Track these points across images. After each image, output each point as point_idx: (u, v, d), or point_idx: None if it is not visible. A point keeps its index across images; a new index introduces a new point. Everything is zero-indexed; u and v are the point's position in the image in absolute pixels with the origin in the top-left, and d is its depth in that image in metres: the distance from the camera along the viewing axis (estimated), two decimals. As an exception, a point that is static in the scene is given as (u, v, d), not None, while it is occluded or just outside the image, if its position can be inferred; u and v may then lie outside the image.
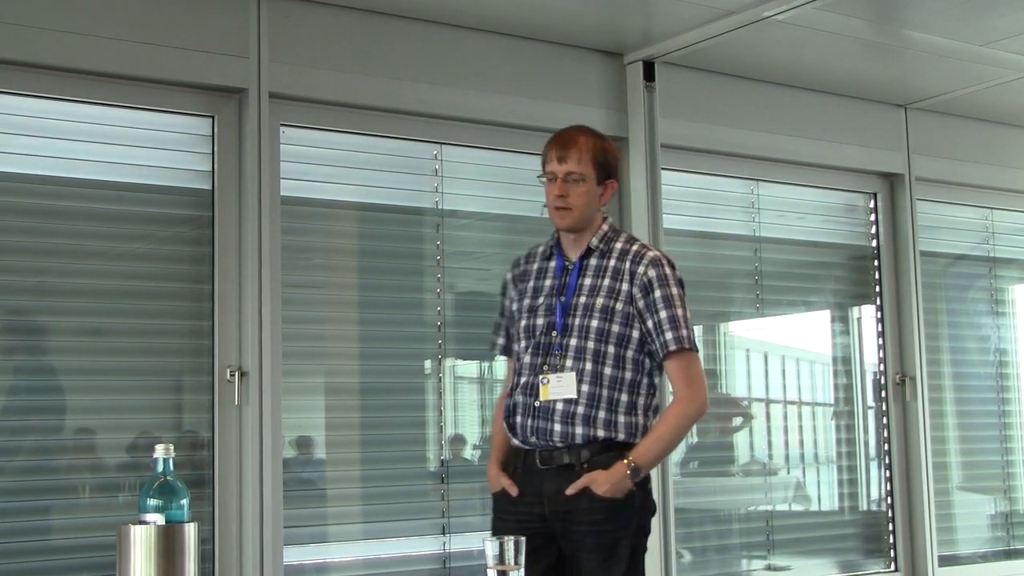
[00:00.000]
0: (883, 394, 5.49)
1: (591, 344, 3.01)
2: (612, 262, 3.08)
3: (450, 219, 4.51)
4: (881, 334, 5.51)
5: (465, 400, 4.62)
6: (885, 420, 5.48)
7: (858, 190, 5.55)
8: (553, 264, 3.12)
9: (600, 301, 3.03)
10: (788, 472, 5.47)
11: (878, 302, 5.54)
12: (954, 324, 5.92)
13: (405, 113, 4.32)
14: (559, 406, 2.99)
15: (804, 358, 5.67)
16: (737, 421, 5.37)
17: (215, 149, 3.99)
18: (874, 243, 5.57)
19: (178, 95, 3.93)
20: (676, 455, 4.92)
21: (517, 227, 4.76)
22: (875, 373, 5.54)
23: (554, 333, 3.03)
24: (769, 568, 5.14)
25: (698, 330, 5.25)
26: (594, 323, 3.02)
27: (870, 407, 5.57)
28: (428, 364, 4.45)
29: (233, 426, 3.90)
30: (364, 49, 4.23)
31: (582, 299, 3.04)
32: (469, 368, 4.68)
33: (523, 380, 3.05)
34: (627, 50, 4.78)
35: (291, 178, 4.11)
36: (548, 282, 3.10)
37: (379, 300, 4.38)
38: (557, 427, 2.99)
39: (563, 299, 3.04)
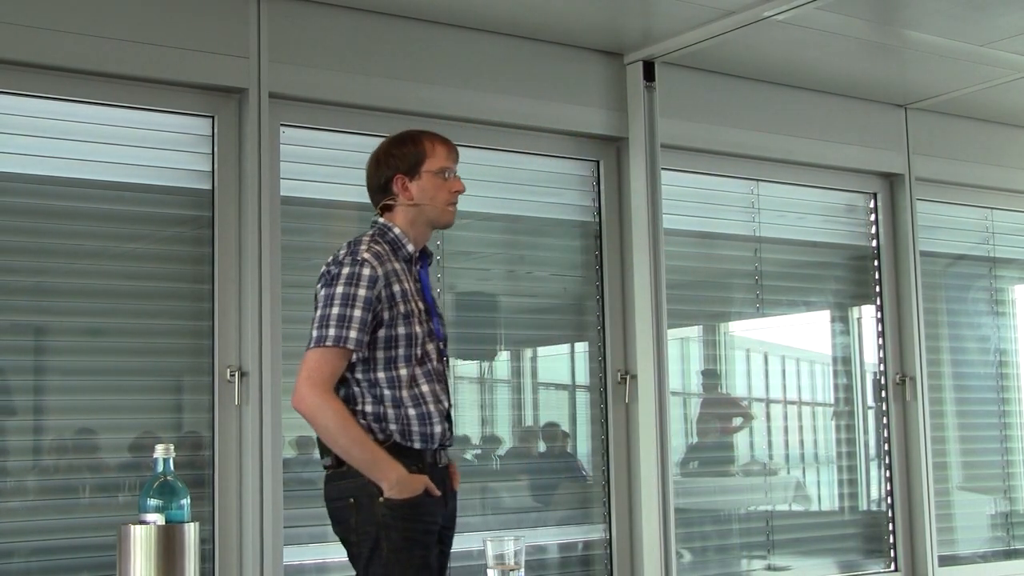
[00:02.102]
0: (883, 394, 5.49)
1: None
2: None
3: (450, 219, 4.49)
4: (881, 334, 5.51)
5: (465, 400, 4.61)
6: (885, 420, 5.48)
7: (858, 190, 5.55)
8: (412, 267, 3.00)
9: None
10: (788, 472, 5.47)
11: (878, 302, 5.54)
12: (954, 324, 5.92)
13: (405, 113, 4.32)
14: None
15: (804, 358, 5.67)
16: (737, 421, 5.37)
17: (215, 149, 3.99)
18: (874, 243, 5.57)
19: (178, 95, 3.93)
20: (676, 455, 4.93)
21: (517, 227, 4.76)
22: (875, 373, 5.54)
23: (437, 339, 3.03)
24: (769, 568, 5.14)
25: (698, 330, 5.29)
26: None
27: (870, 407, 5.57)
28: (428, 364, 4.44)
29: (233, 426, 3.90)
30: (364, 49, 4.24)
31: (435, 304, 3.08)
32: (469, 368, 4.68)
33: (438, 387, 2.96)
34: (627, 50, 4.78)
35: (291, 178, 4.11)
36: (414, 285, 2.98)
37: (379, 300, 4.37)
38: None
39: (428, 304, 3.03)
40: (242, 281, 3.93)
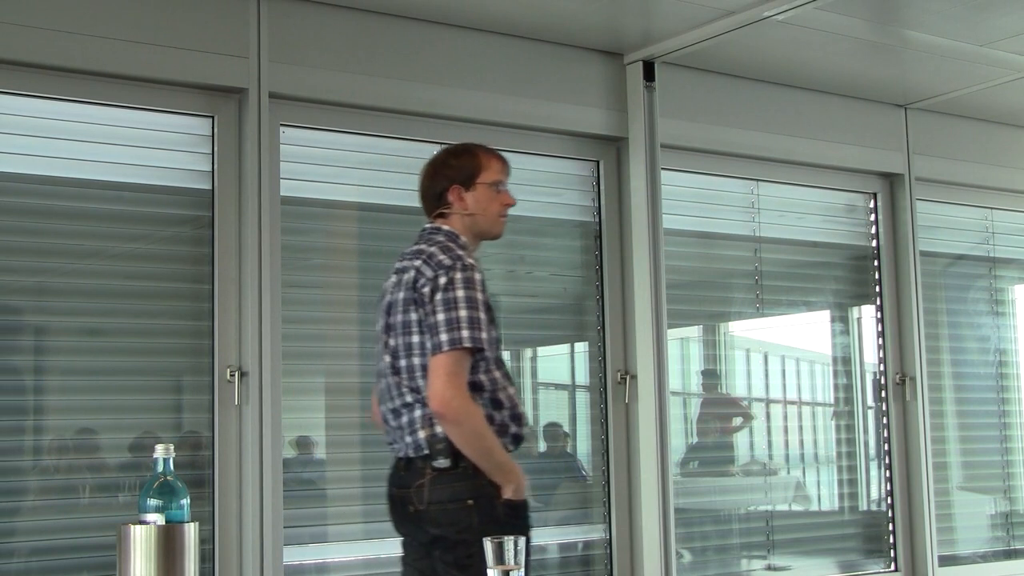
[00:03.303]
0: (883, 394, 5.49)
1: None
2: None
3: (450, 219, 4.50)
4: (881, 334, 5.51)
5: (465, 400, 4.61)
6: (885, 420, 5.48)
7: (858, 190, 5.55)
8: None
9: None
10: (788, 472, 5.47)
11: (878, 302, 5.54)
12: (954, 324, 5.92)
13: (405, 113, 4.32)
14: None
15: (804, 358, 5.67)
16: (737, 421, 5.37)
17: (215, 149, 3.99)
18: (874, 243, 5.57)
19: (178, 95, 3.93)
20: (676, 455, 4.93)
21: (517, 227, 4.75)
22: (875, 373, 5.54)
23: None
24: (769, 568, 5.14)
25: (698, 330, 5.29)
26: None
27: (870, 407, 5.57)
28: (428, 364, 4.44)
29: (233, 426, 3.90)
30: (364, 49, 4.24)
31: None
32: (469, 368, 4.68)
33: (514, 389, 3.07)
34: (627, 50, 4.78)
35: (291, 178, 4.11)
36: None
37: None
38: None
39: None
40: (242, 281, 3.93)
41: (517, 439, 3.02)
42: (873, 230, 5.58)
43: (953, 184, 5.75)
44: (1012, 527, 5.93)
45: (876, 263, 5.56)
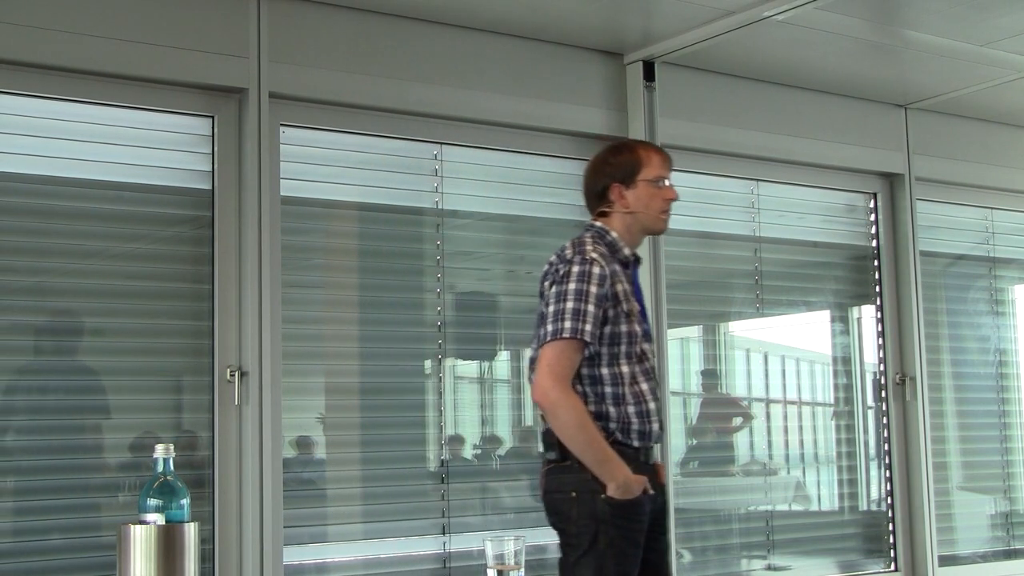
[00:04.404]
0: (883, 394, 5.49)
1: None
2: None
3: (450, 219, 4.51)
4: (881, 334, 5.51)
5: (465, 400, 4.62)
6: (885, 420, 5.48)
7: (858, 190, 5.55)
8: (627, 270, 3.12)
9: None
10: (788, 472, 5.47)
11: (878, 302, 5.54)
12: (954, 324, 5.92)
13: (405, 113, 4.33)
14: None
15: (804, 358, 5.67)
16: (737, 421, 5.37)
17: (215, 149, 3.99)
18: (874, 243, 5.57)
19: (178, 95, 3.93)
20: (676, 455, 4.92)
21: (517, 227, 4.76)
22: (875, 373, 5.54)
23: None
24: (769, 568, 5.14)
25: (698, 330, 5.29)
26: None
27: (870, 407, 5.57)
28: (428, 364, 4.45)
29: (233, 426, 3.90)
30: (364, 49, 4.24)
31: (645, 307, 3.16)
32: (469, 368, 4.68)
33: (654, 384, 3.07)
34: (627, 50, 4.78)
35: (291, 178, 4.11)
36: (628, 287, 3.09)
37: (379, 300, 4.38)
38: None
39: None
40: (242, 281, 3.93)
41: (643, 435, 3.01)
42: (873, 230, 5.58)
43: (953, 184, 5.75)
44: (1012, 527, 5.93)
45: (876, 263, 5.56)
